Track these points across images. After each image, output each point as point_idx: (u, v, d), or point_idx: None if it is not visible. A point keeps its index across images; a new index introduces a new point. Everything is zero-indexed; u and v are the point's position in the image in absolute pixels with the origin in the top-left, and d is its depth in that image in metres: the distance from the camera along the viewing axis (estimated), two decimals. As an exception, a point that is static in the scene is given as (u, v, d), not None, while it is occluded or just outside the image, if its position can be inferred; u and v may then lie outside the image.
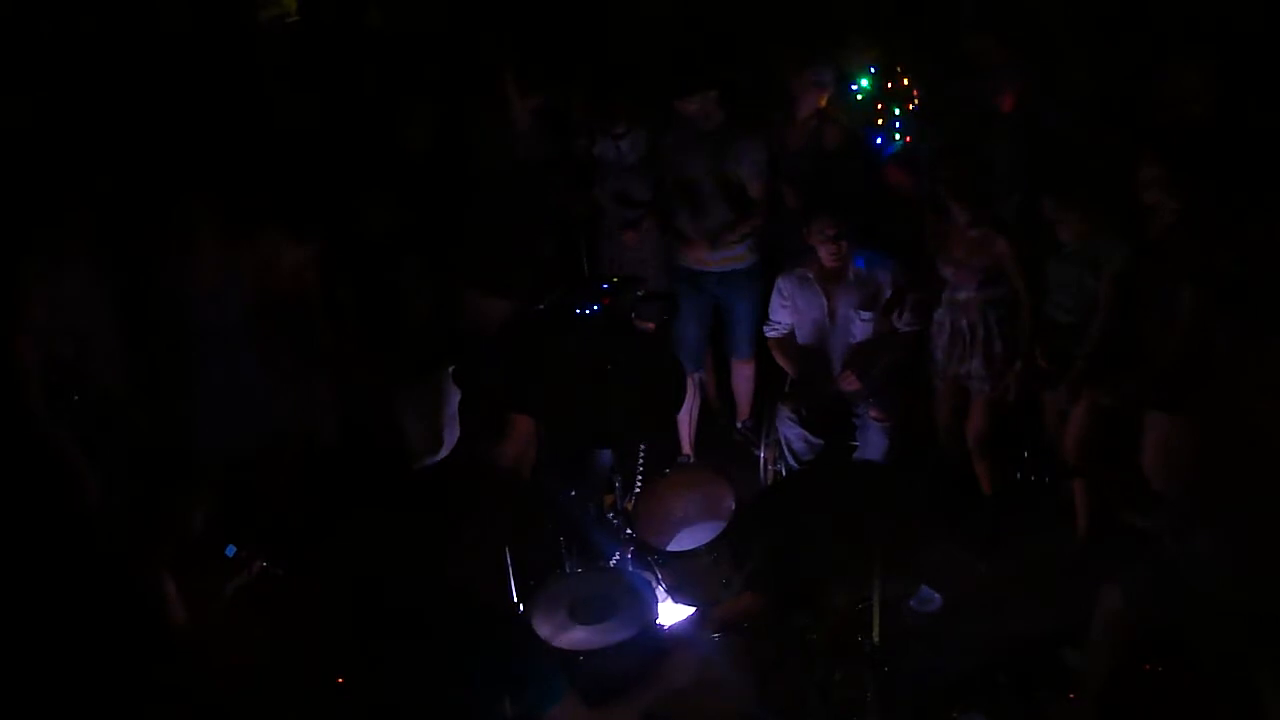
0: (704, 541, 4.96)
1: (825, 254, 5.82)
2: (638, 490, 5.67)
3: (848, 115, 6.41)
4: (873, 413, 5.87)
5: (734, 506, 5.08)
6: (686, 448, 6.60)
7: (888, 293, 5.89)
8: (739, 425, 6.84)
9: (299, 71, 6.03)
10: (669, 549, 5.10)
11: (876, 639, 4.08)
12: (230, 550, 4.47)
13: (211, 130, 5.29)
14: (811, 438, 5.94)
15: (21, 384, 4.62)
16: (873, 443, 5.90)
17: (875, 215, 6.11)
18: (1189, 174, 4.74)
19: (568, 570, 5.07)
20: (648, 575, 4.93)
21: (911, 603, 5.38)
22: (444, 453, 5.54)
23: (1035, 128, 5.79)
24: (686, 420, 6.55)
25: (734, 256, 6.34)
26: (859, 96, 6.51)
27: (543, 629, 4.12)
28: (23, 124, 5.05)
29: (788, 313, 6.08)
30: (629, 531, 5.19)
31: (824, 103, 6.27)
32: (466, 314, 5.58)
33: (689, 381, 6.27)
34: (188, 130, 5.21)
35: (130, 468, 4.74)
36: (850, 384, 5.88)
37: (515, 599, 4.62)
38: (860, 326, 5.94)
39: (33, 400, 4.62)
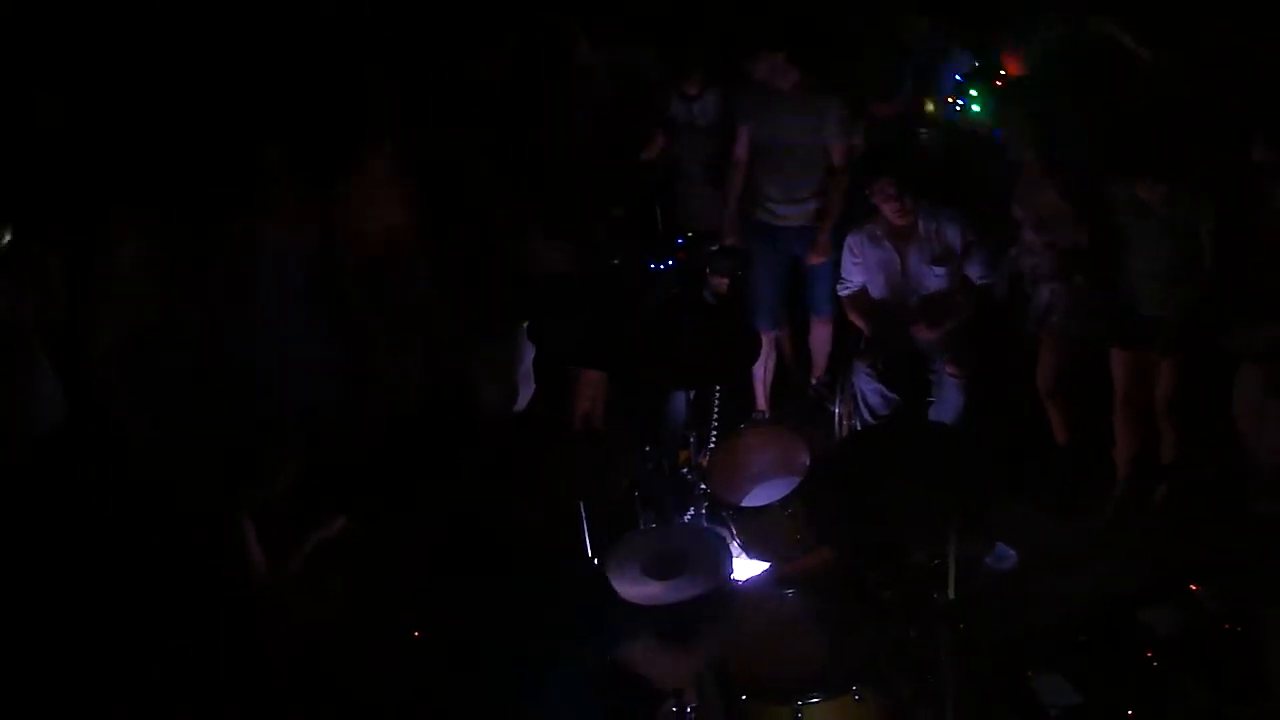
0: (779, 497, 4.97)
1: (890, 211, 5.80)
2: (712, 445, 5.68)
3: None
4: (949, 368, 5.82)
5: (809, 462, 5.08)
6: (761, 403, 6.59)
7: (958, 247, 5.84)
8: (814, 382, 6.82)
9: (374, 24, 6.04)
10: (743, 504, 5.11)
11: (952, 596, 4.06)
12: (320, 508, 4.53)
13: (284, 88, 5.32)
14: (888, 393, 5.92)
15: (98, 348, 4.74)
16: (949, 398, 5.86)
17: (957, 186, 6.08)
18: None
19: (642, 525, 5.11)
20: (722, 531, 4.95)
21: (987, 560, 5.34)
22: (519, 407, 5.58)
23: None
24: (762, 376, 6.53)
25: (812, 211, 6.29)
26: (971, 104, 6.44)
27: (617, 584, 4.15)
28: (90, 99, 5.12)
29: (859, 270, 6.05)
30: (704, 487, 5.20)
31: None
32: (529, 259, 5.59)
33: (765, 339, 6.27)
34: (261, 91, 5.25)
35: (209, 426, 4.82)
36: (925, 333, 5.84)
37: (590, 554, 4.65)
38: (934, 281, 5.90)
39: (111, 362, 4.74)
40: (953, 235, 5.84)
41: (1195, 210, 4.96)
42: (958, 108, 6.44)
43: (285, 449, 4.76)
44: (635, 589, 4.21)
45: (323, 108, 5.25)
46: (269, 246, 4.94)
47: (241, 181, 4.92)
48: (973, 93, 6.39)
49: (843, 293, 6.17)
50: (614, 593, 3.91)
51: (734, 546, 4.86)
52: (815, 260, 6.31)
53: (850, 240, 6.05)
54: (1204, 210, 4.94)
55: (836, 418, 6.22)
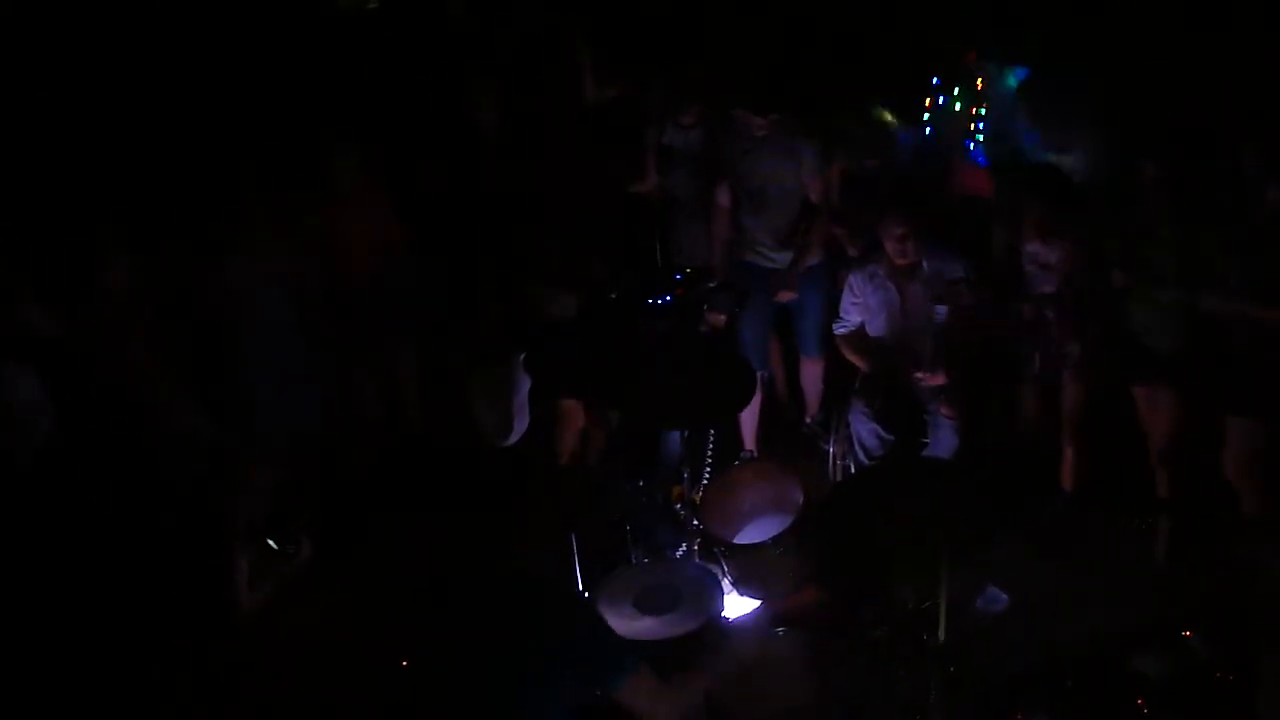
0: (771, 535, 4.97)
1: (894, 252, 5.80)
2: (706, 481, 5.67)
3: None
4: (943, 410, 5.82)
5: (802, 501, 5.08)
6: (749, 444, 6.58)
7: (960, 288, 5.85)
8: (808, 421, 6.82)
9: (378, 57, 6.06)
10: (736, 541, 5.11)
11: (942, 638, 4.05)
12: (273, 541, 4.50)
13: (282, 116, 5.34)
14: (884, 433, 5.91)
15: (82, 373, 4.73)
16: (943, 440, 5.85)
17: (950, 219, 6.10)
18: None
19: (634, 560, 5.10)
20: (714, 567, 4.94)
21: (978, 602, 5.32)
22: (514, 438, 5.58)
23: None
24: (750, 418, 6.52)
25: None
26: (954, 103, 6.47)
27: (608, 618, 4.14)
28: (68, 114, 5.12)
29: (858, 310, 6.06)
30: (696, 523, 5.20)
31: None
32: (533, 305, 5.62)
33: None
34: (254, 116, 5.27)
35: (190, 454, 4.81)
36: (931, 379, 5.84)
37: (581, 588, 4.64)
38: (934, 323, 5.90)
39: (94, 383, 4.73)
40: (954, 274, 5.85)
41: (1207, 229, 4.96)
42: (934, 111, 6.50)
43: (258, 464, 4.77)
44: (626, 624, 4.21)
45: (301, 127, 5.27)
46: (250, 260, 4.95)
47: (225, 195, 4.94)
48: (955, 91, 6.42)
49: (839, 331, 6.16)
50: (606, 627, 3.91)
51: (725, 583, 4.85)
52: (783, 298, 6.32)
53: (852, 280, 6.06)
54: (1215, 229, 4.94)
55: (830, 457, 6.22)
